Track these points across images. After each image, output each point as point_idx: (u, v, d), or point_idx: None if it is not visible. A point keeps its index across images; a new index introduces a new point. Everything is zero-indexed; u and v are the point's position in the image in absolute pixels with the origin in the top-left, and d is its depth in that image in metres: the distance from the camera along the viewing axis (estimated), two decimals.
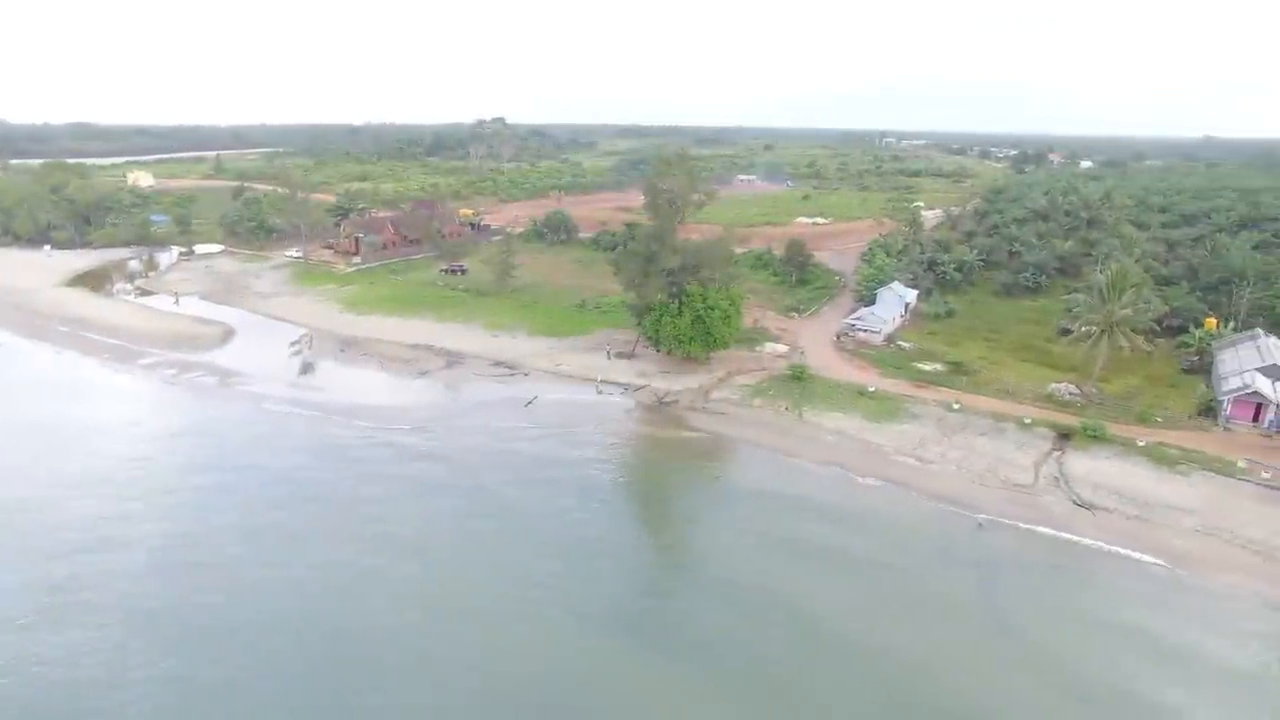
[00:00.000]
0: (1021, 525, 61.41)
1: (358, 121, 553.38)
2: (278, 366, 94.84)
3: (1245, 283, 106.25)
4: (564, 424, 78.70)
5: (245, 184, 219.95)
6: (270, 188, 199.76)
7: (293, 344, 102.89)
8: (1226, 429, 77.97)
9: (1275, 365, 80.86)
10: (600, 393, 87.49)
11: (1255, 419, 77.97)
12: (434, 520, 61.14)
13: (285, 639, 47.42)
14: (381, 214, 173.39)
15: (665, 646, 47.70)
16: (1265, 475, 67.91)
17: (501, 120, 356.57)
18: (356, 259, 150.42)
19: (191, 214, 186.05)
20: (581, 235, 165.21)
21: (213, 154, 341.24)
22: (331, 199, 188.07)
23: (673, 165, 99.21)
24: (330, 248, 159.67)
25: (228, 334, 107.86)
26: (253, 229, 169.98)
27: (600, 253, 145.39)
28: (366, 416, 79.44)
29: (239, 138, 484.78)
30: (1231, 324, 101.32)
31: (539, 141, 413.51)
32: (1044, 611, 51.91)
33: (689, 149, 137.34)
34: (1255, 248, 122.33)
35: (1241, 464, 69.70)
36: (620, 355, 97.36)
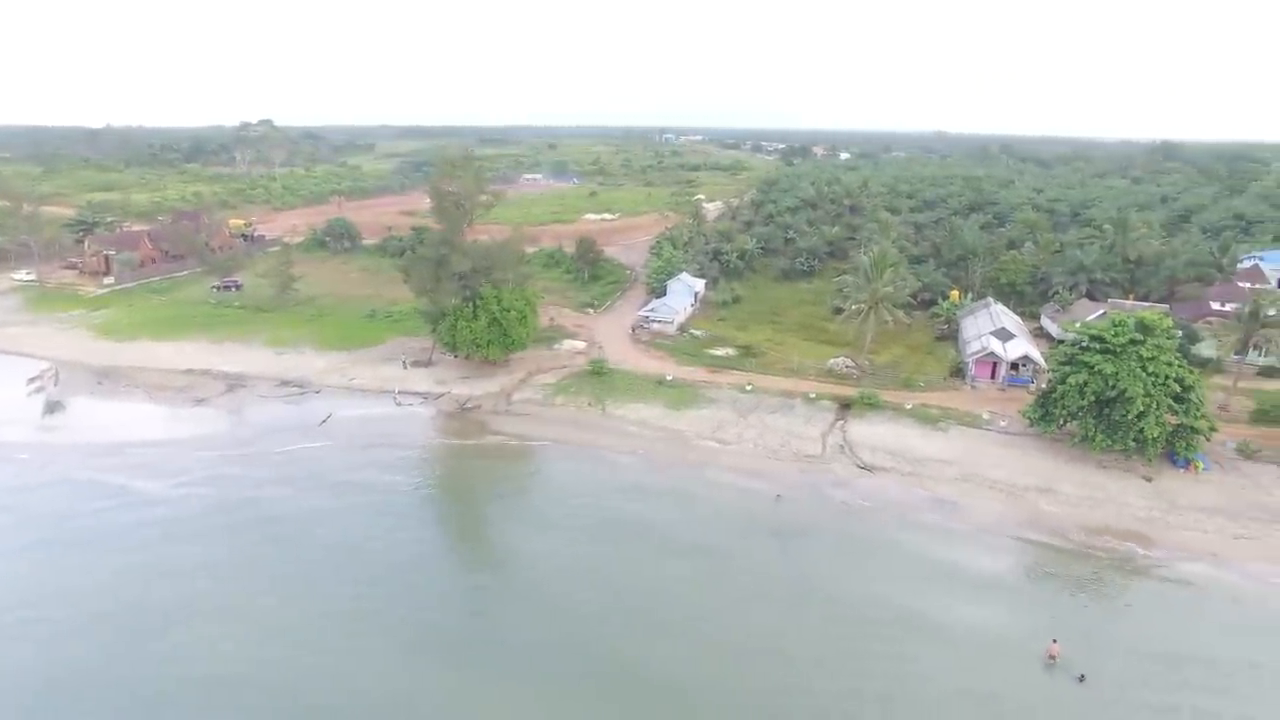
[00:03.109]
0: (814, 492, 66.41)
1: (97, 124, 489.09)
2: (13, 407, 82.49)
3: (977, 258, 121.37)
4: (362, 440, 74.98)
5: None
6: None
7: (32, 380, 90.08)
8: (973, 387, 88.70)
9: (1004, 329, 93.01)
10: (399, 404, 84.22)
11: (992, 376, 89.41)
12: (220, 553, 56.15)
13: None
14: (136, 228, 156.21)
15: (480, 658, 46.86)
16: (1002, 424, 78.24)
17: (269, 122, 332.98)
18: (109, 279, 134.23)
19: None
20: (366, 242, 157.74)
21: None
22: (70, 212, 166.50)
23: (457, 166, 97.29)
24: (74, 268, 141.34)
25: None
26: None
27: (387, 259, 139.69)
28: (133, 453, 71.35)
29: None
30: (970, 294, 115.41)
31: (313, 144, 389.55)
32: (836, 563, 56.61)
33: (473, 149, 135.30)
34: (982, 228, 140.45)
35: (986, 415, 79.75)
36: (417, 364, 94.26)
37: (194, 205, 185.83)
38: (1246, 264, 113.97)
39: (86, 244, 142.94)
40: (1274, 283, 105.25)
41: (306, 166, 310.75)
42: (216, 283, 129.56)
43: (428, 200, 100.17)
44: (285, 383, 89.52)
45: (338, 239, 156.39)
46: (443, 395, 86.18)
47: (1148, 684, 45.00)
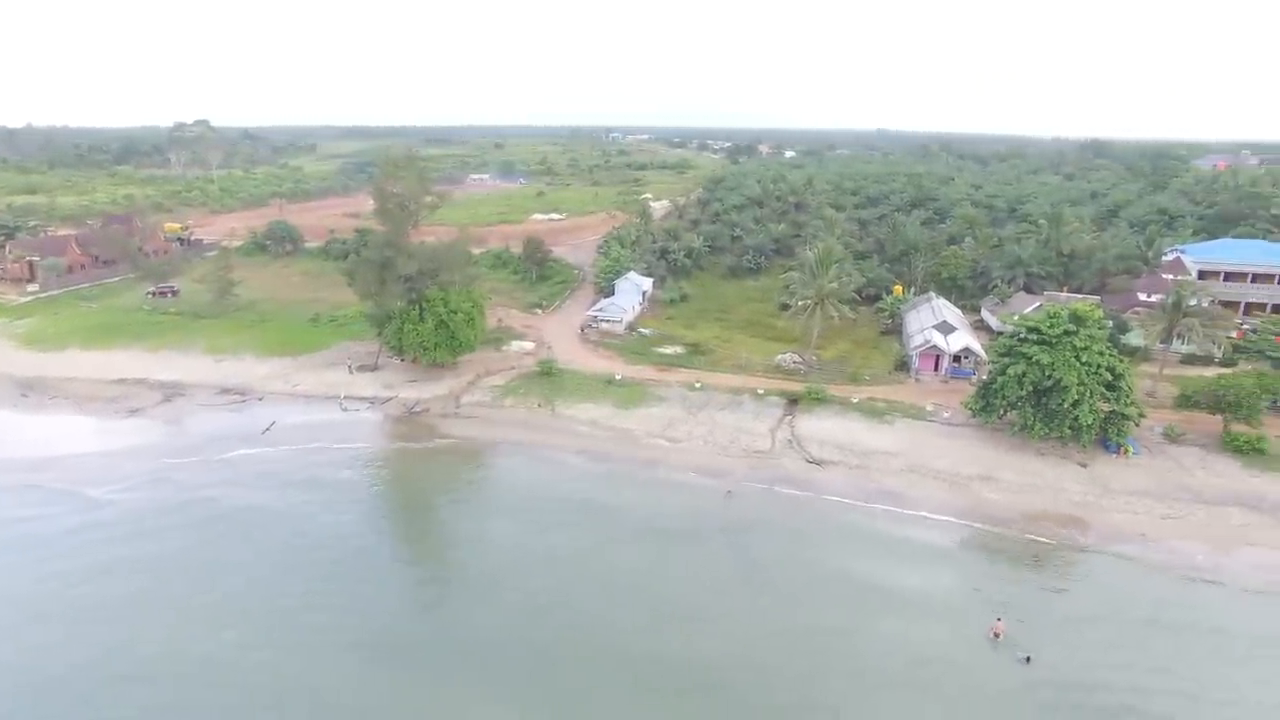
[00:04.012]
0: (764, 487, 67.20)
1: (16, 123, 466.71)
2: None
3: (919, 253, 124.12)
4: (307, 446, 73.54)
5: None
6: None
7: None
8: (917, 380, 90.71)
9: (946, 322, 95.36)
10: (345, 410, 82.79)
11: (936, 368, 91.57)
12: (161, 557, 55.02)
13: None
14: (63, 232, 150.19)
15: (430, 655, 46.56)
16: (946, 415, 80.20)
17: (206, 123, 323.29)
18: (33, 286, 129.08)
19: None
20: (309, 245, 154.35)
21: None
22: None
23: (401, 167, 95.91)
24: None
25: None
26: None
27: (331, 262, 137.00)
28: (64, 465, 68.84)
29: None
30: (913, 289, 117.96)
31: (251, 145, 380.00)
32: (786, 556, 57.45)
33: (417, 149, 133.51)
34: (923, 224, 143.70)
35: (929, 407, 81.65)
36: (363, 368, 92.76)
37: (125, 208, 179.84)
38: (1169, 257, 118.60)
39: (7, 249, 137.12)
40: (1195, 274, 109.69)
41: (245, 168, 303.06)
42: (151, 288, 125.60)
43: (371, 202, 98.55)
44: (226, 390, 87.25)
45: (279, 242, 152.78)
46: (390, 399, 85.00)
47: (1086, 661, 46.74)
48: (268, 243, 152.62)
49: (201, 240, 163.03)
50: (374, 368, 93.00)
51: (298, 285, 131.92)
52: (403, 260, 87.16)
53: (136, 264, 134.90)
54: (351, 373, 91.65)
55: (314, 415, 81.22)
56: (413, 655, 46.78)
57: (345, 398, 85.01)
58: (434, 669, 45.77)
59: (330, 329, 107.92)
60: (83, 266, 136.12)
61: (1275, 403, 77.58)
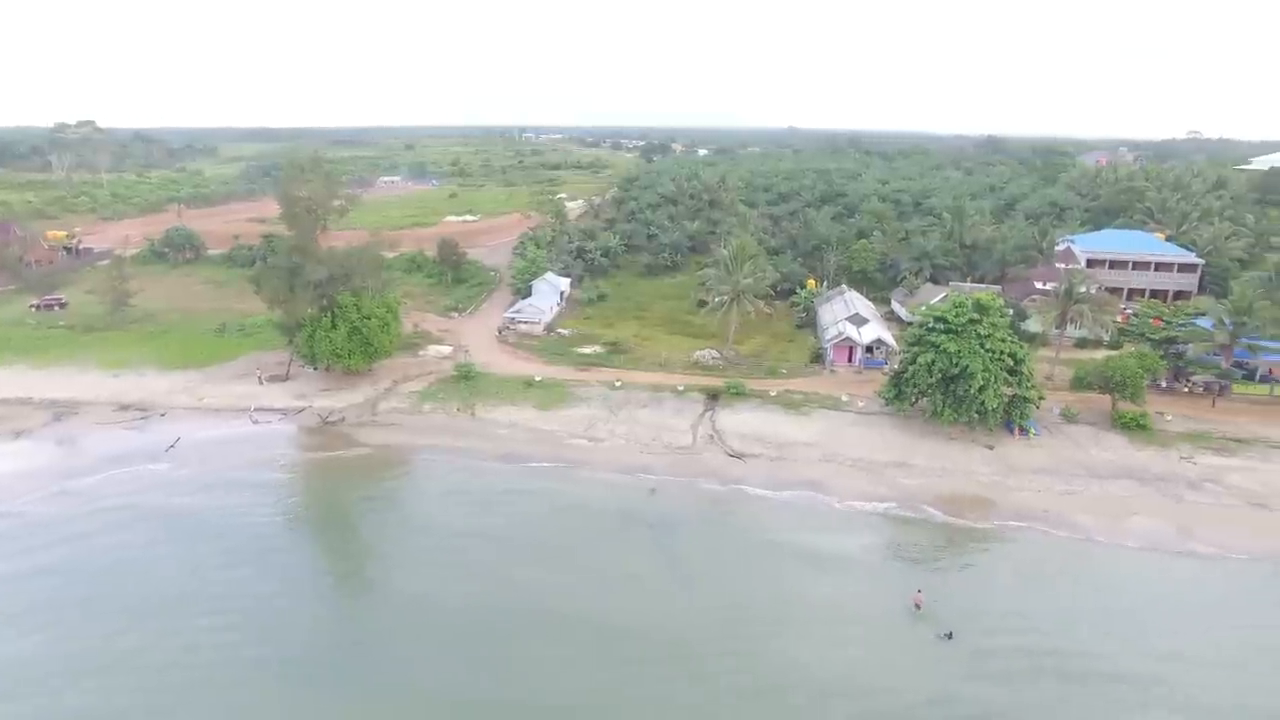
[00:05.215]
0: (687, 482, 67.94)
1: None
2: None
3: (830, 248, 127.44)
4: (215, 462, 70.51)
5: None
6: None
7: None
8: (832, 371, 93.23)
9: (858, 314, 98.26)
10: (256, 422, 79.75)
11: (850, 360, 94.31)
12: (63, 577, 52.05)
13: None
14: None
15: (360, 683, 45.30)
16: (860, 405, 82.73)
17: (92, 124, 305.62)
18: None
19: None
20: (212, 252, 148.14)
21: None
22: None
23: (307, 170, 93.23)
24: None
25: None
26: None
27: (237, 270, 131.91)
28: None
29: None
30: (825, 283, 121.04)
31: (145, 147, 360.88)
32: (711, 547, 58.87)
33: (324, 151, 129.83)
34: (834, 219, 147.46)
35: (845, 398, 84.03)
36: (273, 379, 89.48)
37: (2, 216, 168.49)
38: (1061, 247, 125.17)
39: None
40: (1084, 263, 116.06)
41: (138, 172, 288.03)
42: (35, 301, 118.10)
43: (277, 206, 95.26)
44: (125, 407, 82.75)
45: (178, 250, 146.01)
46: (303, 410, 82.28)
47: (1000, 631, 49.45)
48: (166, 250, 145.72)
49: (91, 249, 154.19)
50: (285, 378, 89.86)
51: (201, 294, 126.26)
52: (312, 266, 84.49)
53: (17, 275, 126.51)
54: (262, 384, 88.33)
55: (222, 429, 77.92)
56: (326, 653, 46.88)
57: (256, 410, 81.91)
58: (345, 686, 44.77)
59: (238, 339, 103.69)
60: None
61: (1155, 381, 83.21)
